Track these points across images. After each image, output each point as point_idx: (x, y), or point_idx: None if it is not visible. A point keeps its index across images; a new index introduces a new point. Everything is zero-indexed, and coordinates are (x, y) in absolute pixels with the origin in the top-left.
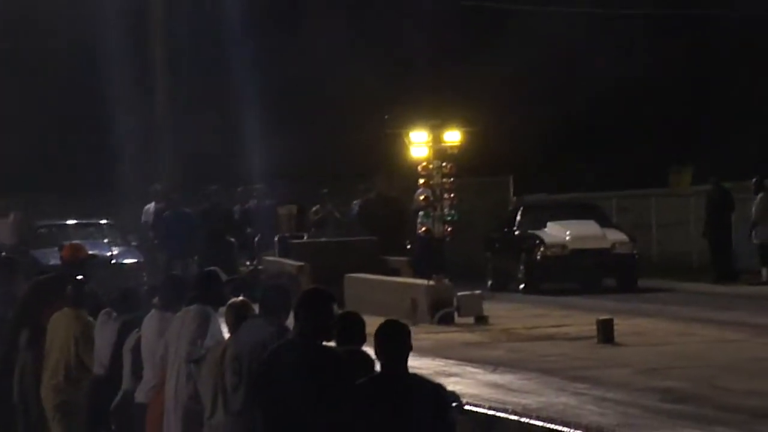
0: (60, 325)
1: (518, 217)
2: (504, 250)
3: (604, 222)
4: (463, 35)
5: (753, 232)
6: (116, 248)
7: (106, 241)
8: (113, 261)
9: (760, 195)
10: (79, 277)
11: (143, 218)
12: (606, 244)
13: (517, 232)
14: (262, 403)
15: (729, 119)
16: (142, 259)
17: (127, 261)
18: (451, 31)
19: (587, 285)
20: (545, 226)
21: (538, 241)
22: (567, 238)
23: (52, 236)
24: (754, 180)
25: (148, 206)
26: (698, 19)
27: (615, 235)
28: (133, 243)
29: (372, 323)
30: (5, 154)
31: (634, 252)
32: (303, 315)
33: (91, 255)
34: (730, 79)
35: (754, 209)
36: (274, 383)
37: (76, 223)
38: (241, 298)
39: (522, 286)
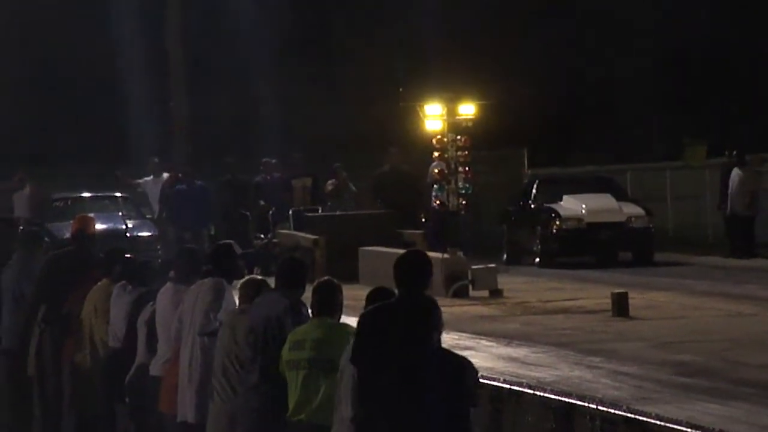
0: (90, 296)
1: (534, 191)
2: (519, 223)
3: (620, 195)
4: (478, 8)
5: (727, 205)
6: (131, 221)
7: (121, 214)
8: (128, 234)
9: (745, 168)
10: (128, 255)
11: (143, 189)
12: (622, 218)
13: (532, 206)
14: (360, 363)
15: (746, 92)
16: (157, 232)
17: (142, 234)
18: (467, 4)
19: (603, 258)
20: (561, 200)
21: (553, 215)
22: (583, 211)
23: (67, 209)
24: (735, 152)
25: (147, 179)
26: None
27: (631, 209)
28: (148, 216)
29: None
30: (17, 126)
31: (650, 226)
32: (406, 276)
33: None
34: (748, 51)
35: (741, 182)
36: (374, 347)
37: (91, 196)
38: (259, 276)
39: (537, 259)
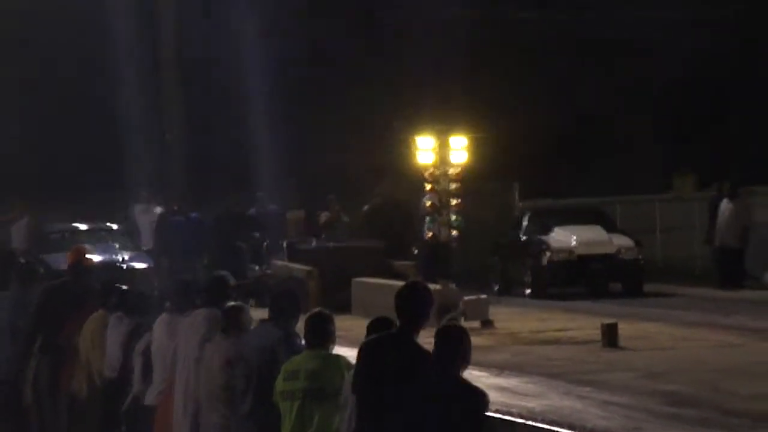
0: (86, 327)
1: (525, 222)
2: (511, 254)
3: (610, 227)
4: (470, 42)
5: (716, 237)
6: (127, 252)
7: (117, 245)
8: (124, 266)
9: (736, 201)
10: (124, 286)
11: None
12: (612, 250)
13: (523, 237)
14: (360, 391)
15: (735, 123)
16: (152, 264)
17: (138, 265)
18: (458, 38)
19: (593, 290)
20: (552, 231)
21: (544, 246)
22: (573, 243)
23: (63, 241)
24: (729, 185)
25: (137, 205)
26: (704, 22)
27: (621, 241)
28: (144, 247)
29: None
30: (12, 157)
31: (640, 257)
32: (406, 306)
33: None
34: (736, 82)
35: (732, 215)
36: (373, 376)
37: (87, 228)
38: (237, 302)
39: (528, 290)
